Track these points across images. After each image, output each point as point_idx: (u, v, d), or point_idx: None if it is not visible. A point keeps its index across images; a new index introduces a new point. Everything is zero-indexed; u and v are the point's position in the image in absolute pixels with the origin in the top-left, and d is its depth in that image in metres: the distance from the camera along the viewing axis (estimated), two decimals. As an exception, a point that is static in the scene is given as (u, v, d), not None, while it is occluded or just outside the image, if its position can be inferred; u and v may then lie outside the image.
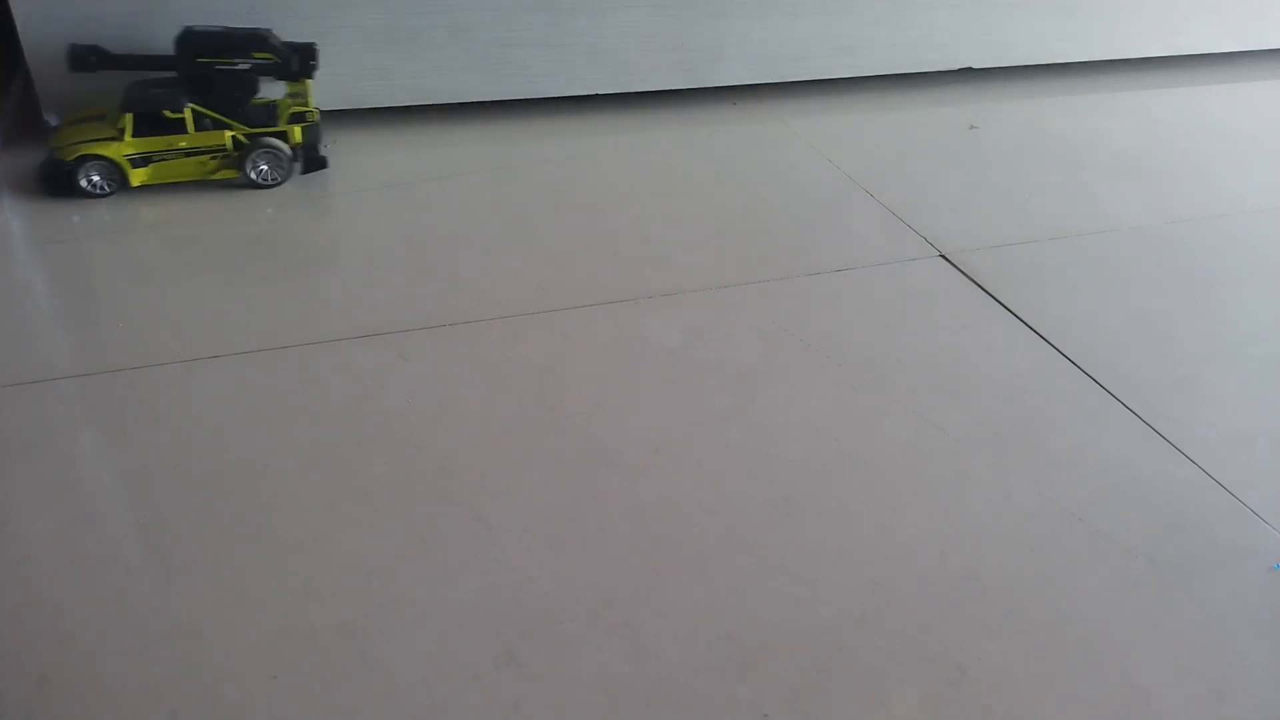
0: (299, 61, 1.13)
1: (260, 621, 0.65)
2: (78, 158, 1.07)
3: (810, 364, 0.93)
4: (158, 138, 1.09)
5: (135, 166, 1.09)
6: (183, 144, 1.09)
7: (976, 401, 0.89)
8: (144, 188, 1.13)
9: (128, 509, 0.73)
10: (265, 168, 1.12)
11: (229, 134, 1.10)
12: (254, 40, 1.10)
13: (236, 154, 1.11)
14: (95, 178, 1.08)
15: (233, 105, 1.11)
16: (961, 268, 1.10)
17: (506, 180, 1.24)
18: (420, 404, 0.85)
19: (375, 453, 0.79)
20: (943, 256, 1.12)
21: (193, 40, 1.08)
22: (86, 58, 1.09)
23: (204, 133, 1.10)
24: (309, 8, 1.24)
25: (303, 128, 1.14)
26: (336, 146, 1.31)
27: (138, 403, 0.83)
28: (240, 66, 1.09)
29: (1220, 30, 1.74)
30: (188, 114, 1.08)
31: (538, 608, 0.67)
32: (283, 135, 1.13)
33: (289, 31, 1.25)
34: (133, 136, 1.08)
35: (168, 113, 1.08)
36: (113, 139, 1.07)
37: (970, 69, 1.63)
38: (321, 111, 1.33)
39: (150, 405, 0.83)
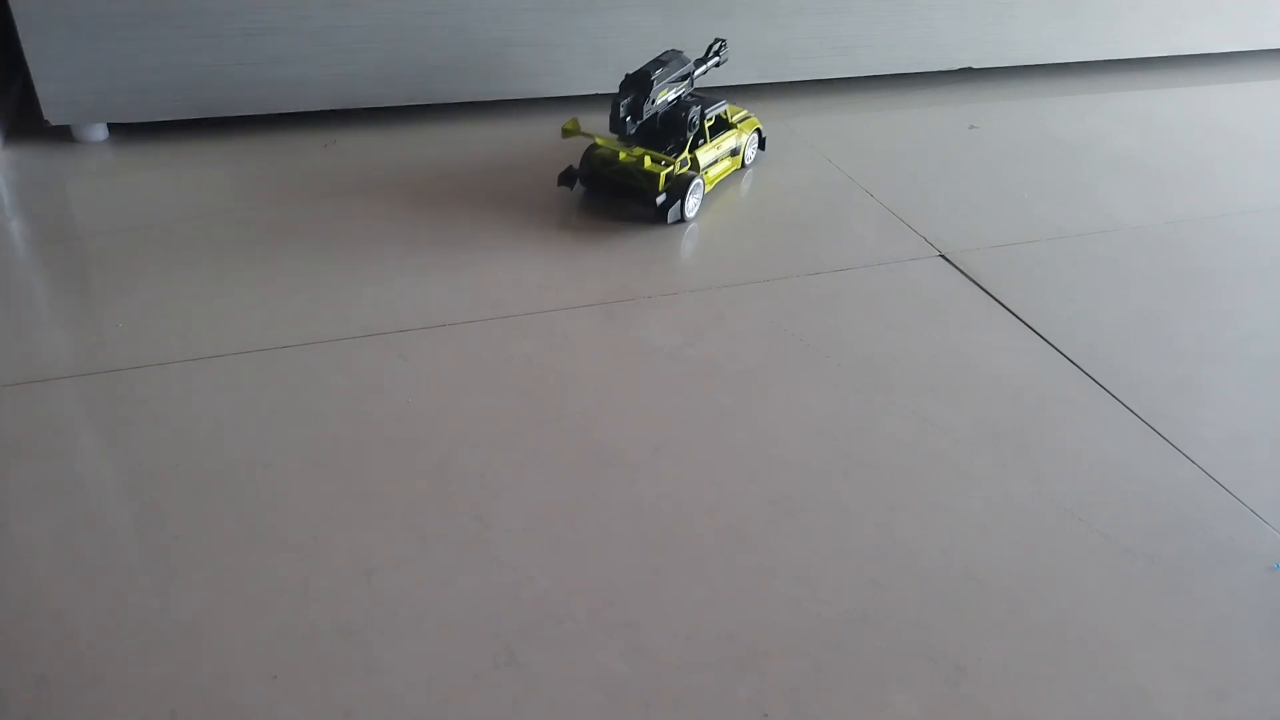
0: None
1: (260, 621, 0.65)
2: None
3: (810, 364, 0.93)
4: None
5: None
6: None
7: (976, 401, 0.89)
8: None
9: (128, 509, 0.73)
10: None
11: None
12: None
13: None
14: None
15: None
16: (961, 268, 1.10)
17: (506, 180, 1.24)
18: (420, 404, 0.85)
19: (375, 453, 0.79)
20: (943, 256, 1.12)
21: None
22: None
23: None
24: (308, 6, 1.24)
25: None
26: (337, 146, 1.31)
27: (138, 403, 0.84)
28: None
29: (1220, 30, 1.75)
30: None
31: (538, 608, 0.67)
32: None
33: (286, 30, 1.25)
34: None
35: None
36: None
37: (970, 69, 1.63)
38: (324, 112, 1.34)
39: (150, 405, 0.83)
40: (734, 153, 1.25)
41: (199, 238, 1.08)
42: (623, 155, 1.12)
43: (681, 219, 1.14)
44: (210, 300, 0.97)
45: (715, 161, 1.21)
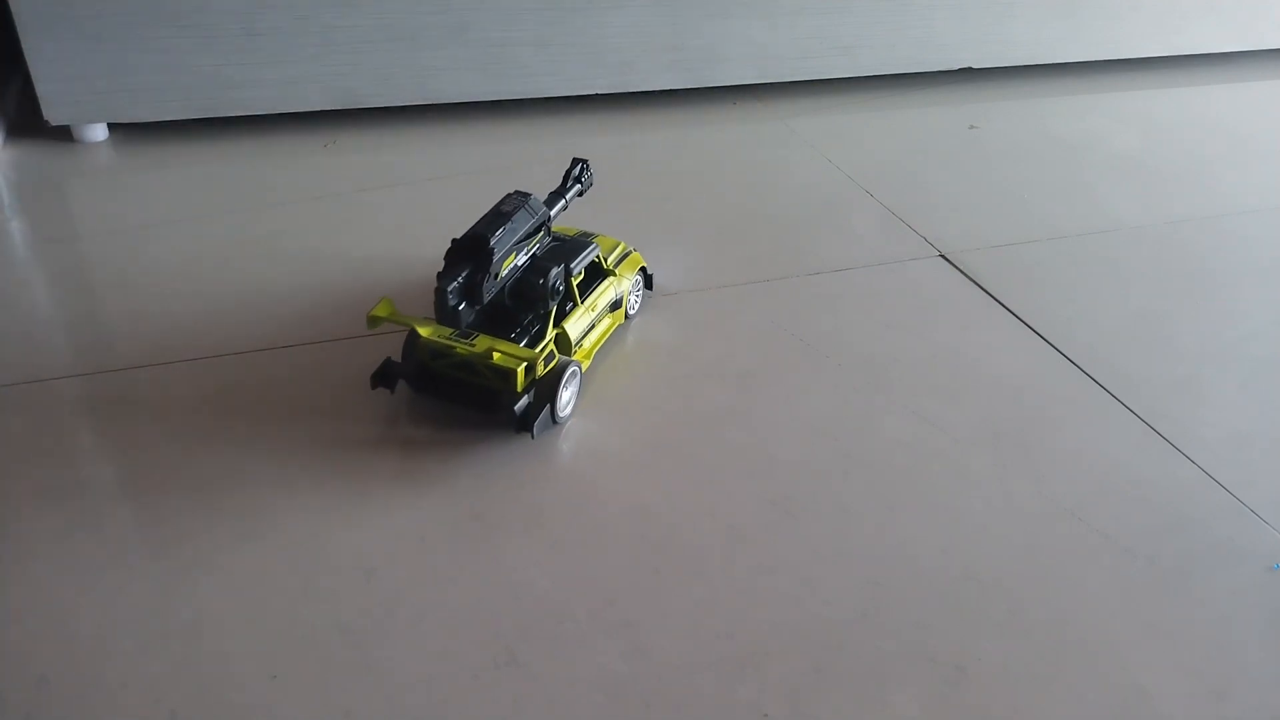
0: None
1: (260, 621, 0.65)
2: None
3: (810, 364, 0.93)
4: None
5: None
6: None
7: (976, 401, 0.89)
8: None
9: (128, 509, 0.73)
10: None
11: None
12: None
13: None
14: None
15: None
16: (961, 268, 1.10)
17: (507, 180, 1.24)
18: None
19: (375, 452, 0.79)
20: (943, 256, 1.12)
21: None
22: None
23: None
24: (308, 6, 1.24)
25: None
26: (336, 146, 1.31)
27: (138, 403, 0.83)
28: None
29: (1220, 30, 1.74)
30: None
31: (538, 608, 0.67)
32: None
33: (286, 30, 1.25)
34: None
35: None
36: None
37: (970, 69, 1.63)
38: (324, 112, 1.34)
39: (150, 405, 0.83)
40: (615, 306, 0.93)
41: (198, 238, 1.08)
42: (460, 348, 0.78)
43: (554, 423, 0.82)
44: (210, 300, 0.97)
45: (592, 328, 0.90)
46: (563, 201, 0.92)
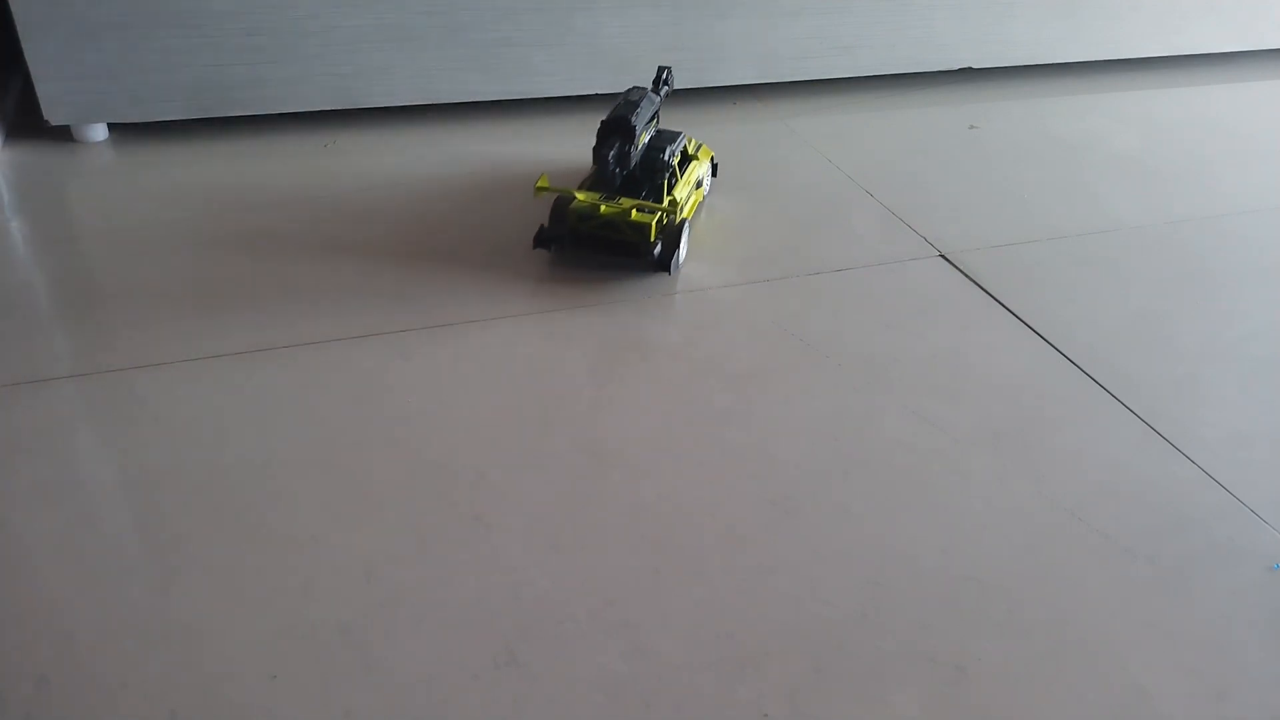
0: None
1: (260, 621, 0.65)
2: None
3: (810, 364, 0.93)
4: None
5: None
6: None
7: (976, 401, 0.89)
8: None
9: (128, 509, 0.73)
10: None
11: None
12: None
13: None
14: None
15: None
16: (961, 268, 1.10)
17: (506, 180, 1.24)
18: (420, 404, 0.85)
19: (375, 453, 0.79)
20: (943, 256, 1.12)
21: None
22: None
23: None
24: (308, 6, 1.24)
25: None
26: (336, 146, 1.31)
27: (138, 403, 0.84)
28: None
29: (1220, 30, 1.75)
30: None
31: (538, 608, 0.67)
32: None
33: (286, 30, 1.25)
34: None
35: None
36: None
37: (970, 69, 1.63)
38: (324, 112, 1.34)
39: (150, 405, 0.83)
40: (698, 184, 1.17)
41: (198, 238, 1.08)
42: (604, 208, 1.01)
43: (677, 267, 1.05)
44: (210, 300, 0.97)
45: (689, 199, 1.13)
46: (659, 98, 1.13)
